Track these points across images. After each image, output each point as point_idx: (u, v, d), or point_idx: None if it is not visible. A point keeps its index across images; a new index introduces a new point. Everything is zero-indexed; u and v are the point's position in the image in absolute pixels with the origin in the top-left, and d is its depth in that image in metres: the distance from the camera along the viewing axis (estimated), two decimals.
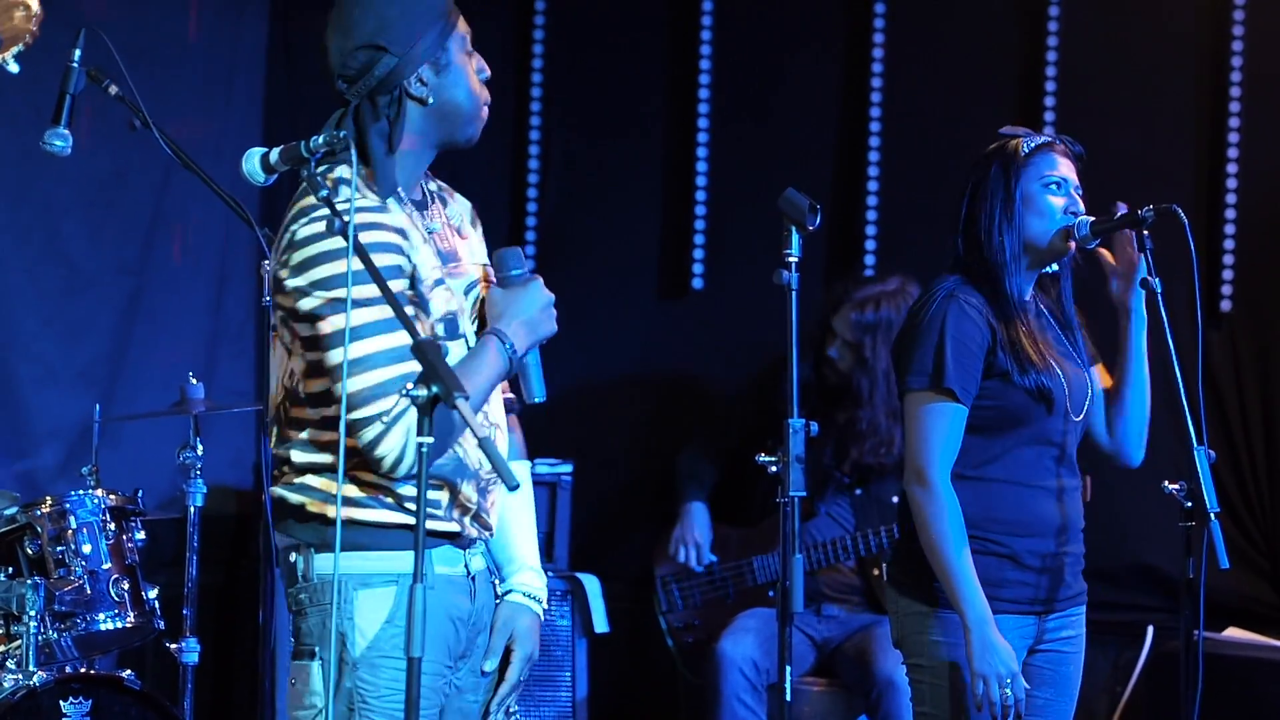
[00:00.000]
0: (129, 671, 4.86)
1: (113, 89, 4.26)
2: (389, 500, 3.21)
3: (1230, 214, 6.21)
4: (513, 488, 3.04)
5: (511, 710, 3.41)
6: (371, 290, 3.09)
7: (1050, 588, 3.94)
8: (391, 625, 3.20)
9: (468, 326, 3.31)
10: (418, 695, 2.95)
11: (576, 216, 6.58)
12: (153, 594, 4.84)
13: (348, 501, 3.18)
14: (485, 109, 3.32)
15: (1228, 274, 6.21)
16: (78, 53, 4.26)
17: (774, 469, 3.80)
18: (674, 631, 6.00)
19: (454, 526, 3.26)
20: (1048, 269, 4.02)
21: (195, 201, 5.80)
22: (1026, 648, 3.93)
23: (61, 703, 4.56)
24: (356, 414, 3.13)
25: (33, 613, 4.54)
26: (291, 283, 3.16)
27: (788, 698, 3.83)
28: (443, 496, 3.25)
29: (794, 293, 3.79)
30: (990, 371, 3.89)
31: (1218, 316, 6.20)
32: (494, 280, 3.32)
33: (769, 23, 6.49)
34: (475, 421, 3.03)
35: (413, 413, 3.06)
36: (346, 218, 3.08)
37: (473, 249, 3.39)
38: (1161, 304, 3.90)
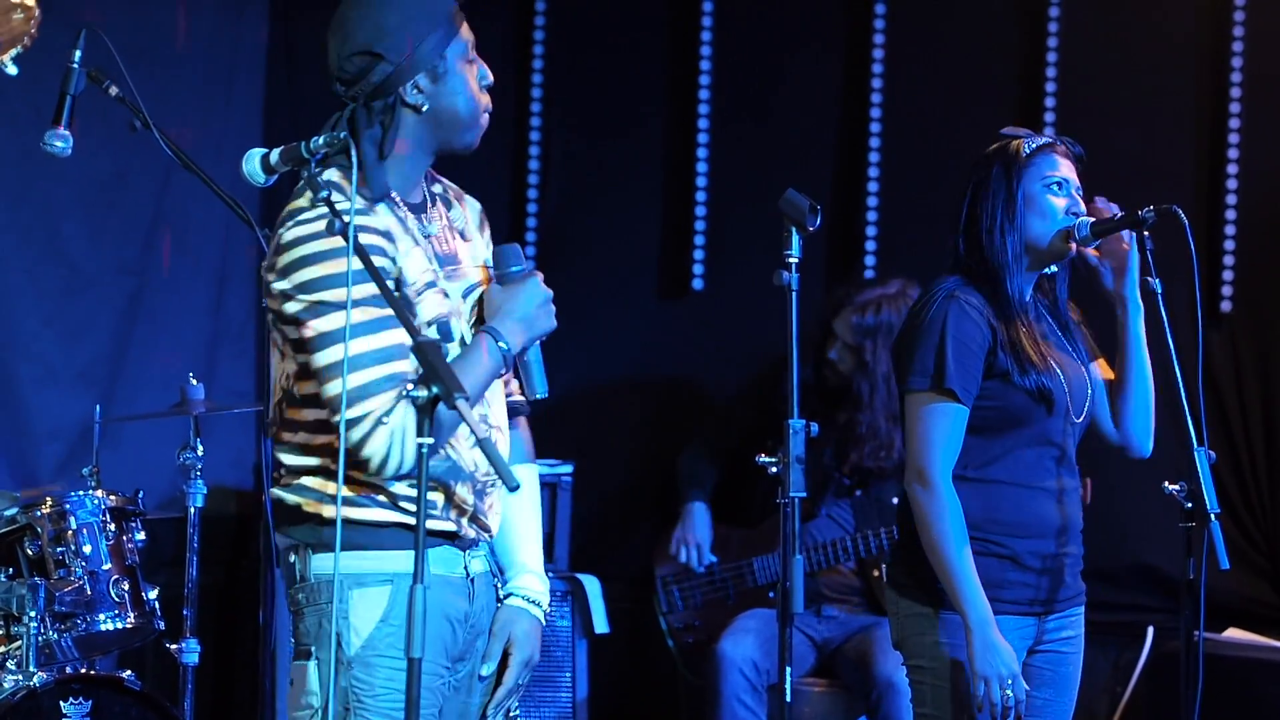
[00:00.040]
0: (129, 672, 4.86)
1: (113, 90, 4.26)
2: (383, 499, 3.22)
3: (1230, 214, 6.21)
4: (513, 489, 3.05)
5: (512, 713, 3.41)
6: (356, 293, 3.11)
7: (1050, 588, 3.94)
8: (386, 624, 3.21)
9: (465, 329, 3.30)
10: (418, 695, 2.96)
11: (576, 216, 6.58)
12: (153, 594, 4.84)
13: (343, 501, 3.18)
14: (486, 116, 3.32)
15: (1228, 274, 6.21)
16: (78, 54, 4.26)
17: (774, 470, 3.79)
18: (674, 632, 6.00)
19: (450, 526, 3.26)
20: (1048, 270, 4.02)
21: (195, 202, 5.80)
22: (1026, 648, 3.93)
23: (62, 703, 4.56)
24: (340, 415, 3.14)
25: (33, 613, 4.54)
26: (277, 286, 3.18)
27: (788, 698, 3.83)
28: (438, 497, 3.25)
29: (794, 293, 3.79)
30: (990, 372, 3.89)
31: (1218, 317, 6.20)
32: (494, 278, 3.33)
33: (769, 23, 6.49)
34: (475, 421, 3.04)
35: (398, 413, 3.09)
36: (342, 220, 3.09)
37: (476, 252, 3.39)
38: (1162, 304, 3.90)
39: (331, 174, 3.20)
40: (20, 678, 4.52)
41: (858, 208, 6.42)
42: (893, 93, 6.41)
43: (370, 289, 3.11)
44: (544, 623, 3.43)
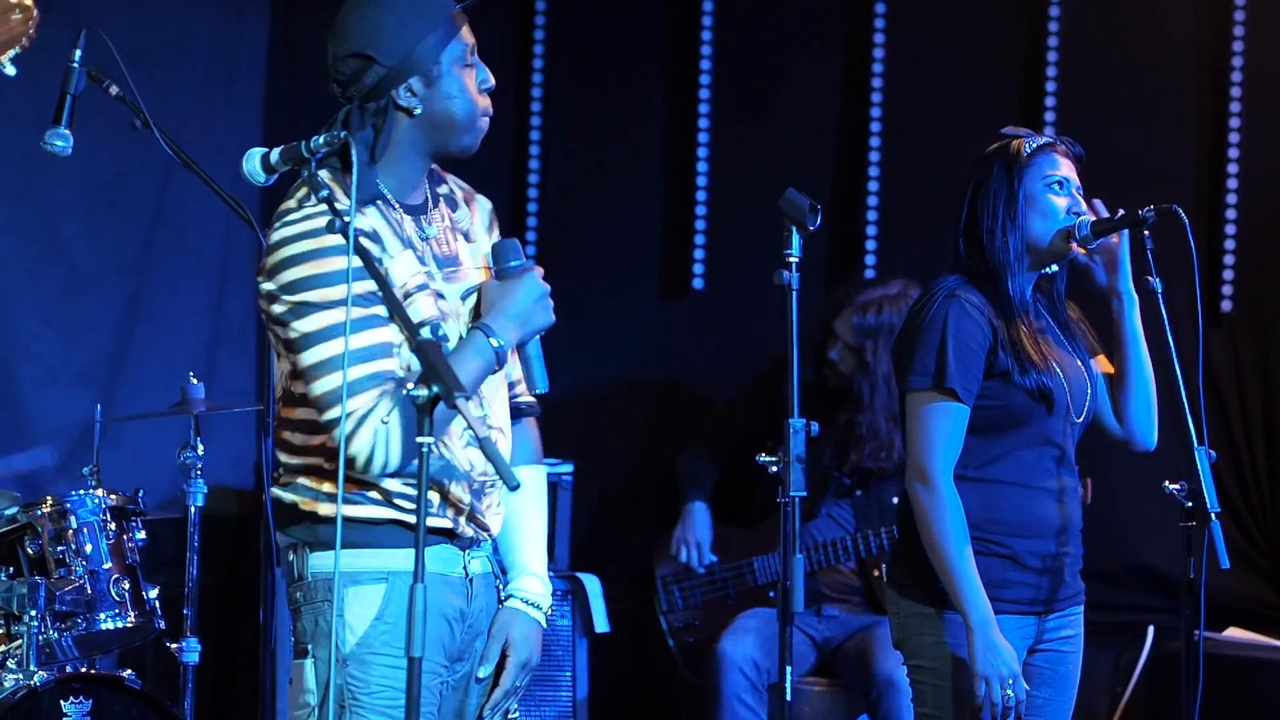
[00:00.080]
0: (129, 671, 4.86)
1: (113, 89, 4.26)
2: (377, 496, 3.22)
3: (1231, 214, 6.21)
4: (513, 488, 3.05)
5: (511, 715, 3.41)
6: (336, 293, 3.12)
7: (1050, 588, 3.94)
8: (381, 622, 3.22)
9: (462, 330, 3.29)
10: (418, 694, 2.96)
11: (576, 216, 6.58)
12: (153, 594, 4.85)
13: (336, 499, 3.19)
14: (485, 120, 3.31)
15: (1228, 274, 6.21)
16: (78, 53, 4.26)
17: (774, 469, 3.79)
18: (675, 631, 6.00)
19: (446, 523, 3.26)
20: (1048, 269, 4.02)
21: (196, 201, 5.80)
22: (1027, 648, 3.93)
23: (62, 702, 4.57)
24: (327, 415, 3.16)
25: (33, 612, 4.54)
26: (265, 287, 3.20)
27: (788, 698, 3.83)
28: (433, 495, 3.25)
29: (794, 293, 3.79)
30: (991, 371, 3.89)
31: (1218, 317, 6.20)
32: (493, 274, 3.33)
33: (769, 23, 6.49)
34: (475, 420, 3.04)
35: (380, 410, 3.11)
36: (342, 219, 3.10)
37: (480, 252, 3.38)
38: (1162, 304, 3.90)
39: (322, 175, 3.20)
40: (21, 677, 4.52)
41: (858, 208, 6.42)
42: (893, 93, 6.41)
43: (355, 289, 3.12)
44: (544, 625, 3.42)
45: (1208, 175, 6.26)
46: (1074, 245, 3.95)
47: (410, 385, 2.98)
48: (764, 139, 6.47)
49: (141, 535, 4.88)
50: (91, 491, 4.81)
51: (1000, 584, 3.87)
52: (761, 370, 6.07)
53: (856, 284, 5.95)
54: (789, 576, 3.75)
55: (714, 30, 6.48)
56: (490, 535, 3.36)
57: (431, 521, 3.23)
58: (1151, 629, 6.03)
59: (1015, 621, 3.89)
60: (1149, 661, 5.98)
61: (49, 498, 4.76)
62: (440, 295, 3.28)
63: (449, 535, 3.28)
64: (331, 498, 3.20)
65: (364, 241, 3.17)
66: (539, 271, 3.30)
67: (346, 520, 3.19)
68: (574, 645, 5.99)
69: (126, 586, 4.75)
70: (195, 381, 5.10)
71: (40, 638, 4.57)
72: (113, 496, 4.83)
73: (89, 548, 4.73)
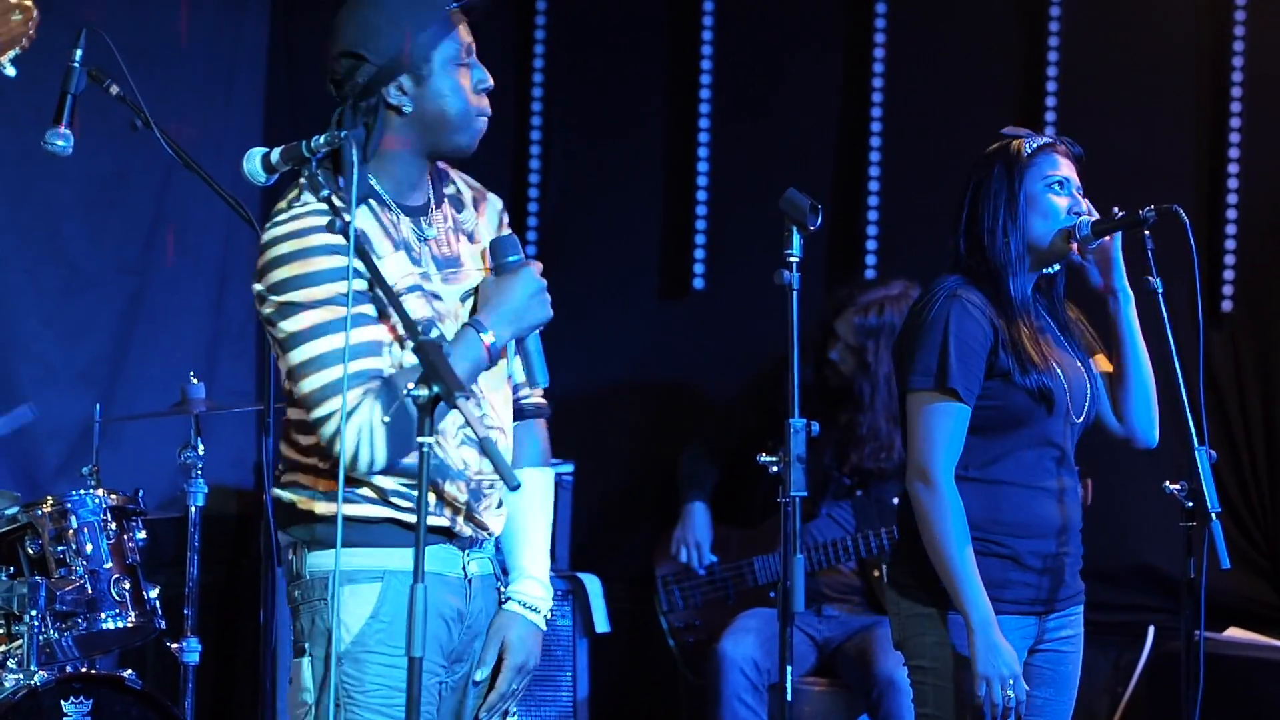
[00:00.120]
0: (130, 671, 4.86)
1: (114, 89, 4.26)
2: (370, 494, 3.23)
3: (1231, 214, 6.21)
4: (513, 488, 3.05)
5: (510, 714, 3.40)
6: (321, 292, 3.14)
7: (1051, 588, 3.94)
8: (376, 621, 3.23)
9: (455, 331, 3.29)
10: (419, 694, 2.96)
11: (576, 216, 6.58)
12: (154, 594, 4.85)
13: (332, 497, 3.20)
14: (481, 119, 3.29)
15: (1229, 274, 6.21)
16: (79, 53, 4.26)
17: (775, 469, 3.79)
18: (675, 631, 6.00)
19: (443, 522, 3.26)
20: (1048, 270, 4.02)
21: (196, 201, 5.80)
22: (1027, 648, 3.93)
23: (62, 702, 4.57)
24: (314, 413, 3.17)
25: (34, 612, 4.54)
26: (255, 288, 3.22)
27: (789, 698, 3.82)
28: (429, 494, 3.24)
29: (795, 293, 3.78)
30: (992, 371, 3.89)
31: (1219, 317, 6.20)
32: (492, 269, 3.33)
33: (769, 23, 6.49)
34: (476, 420, 3.04)
35: (364, 409, 3.12)
36: (343, 218, 3.10)
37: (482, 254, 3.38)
38: (1162, 304, 3.90)
39: (321, 175, 3.20)
40: (21, 676, 4.52)
41: (858, 208, 6.42)
42: (893, 93, 6.41)
43: (336, 288, 3.13)
44: (543, 628, 3.41)
45: (1208, 175, 6.27)
46: (1074, 245, 3.95)
47: (411, 385, 2.98)
48: (764, 139, 6.47)
49: (142, 535, 4.88)
50: (92, 491, 4.81)
51: (1001, 584, 3.87)
52: (762, 370, 6.08)
53: (858, 284, 5.95)
54: (789, 576, 3.74)
55: (714, 30, 6.48)
56: (491, 535, 3.36)
57: (429, 520, 3.23)
58: (1152, 629, 6.03)
59: (1016, 622, 3.89)
60: (1149, 661, 5.98)
61: (49, 498, 4.76)
62: (436, 296, 3.27)
63: (448, 535, 3.28)
64: (327, 496, 3.22)
65: (343, 240, 3.17)
66: (536, 267, 3.29)
67: (343, 519, 3.20)
68: (574, 645, 5.99)
69: (127, 586, 4.75)
70: (195, 381, 5.10)
71: (40, 638, 4.57)
72: (113, 496, 4.83)
73: (89, 548, 4.73)
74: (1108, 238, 3.96)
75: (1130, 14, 6.34)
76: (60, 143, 4.26)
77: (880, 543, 5.67)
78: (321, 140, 3.16)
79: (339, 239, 3.14)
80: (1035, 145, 3.98)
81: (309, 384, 3.16)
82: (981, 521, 3.87)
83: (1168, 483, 3.82)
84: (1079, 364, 4.02)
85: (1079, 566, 4.02)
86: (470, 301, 3.32)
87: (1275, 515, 6.19)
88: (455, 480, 3.27)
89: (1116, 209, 3.96)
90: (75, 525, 4.72)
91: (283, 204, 3.22)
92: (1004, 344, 3.89)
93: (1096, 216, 3.96)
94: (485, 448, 3.03)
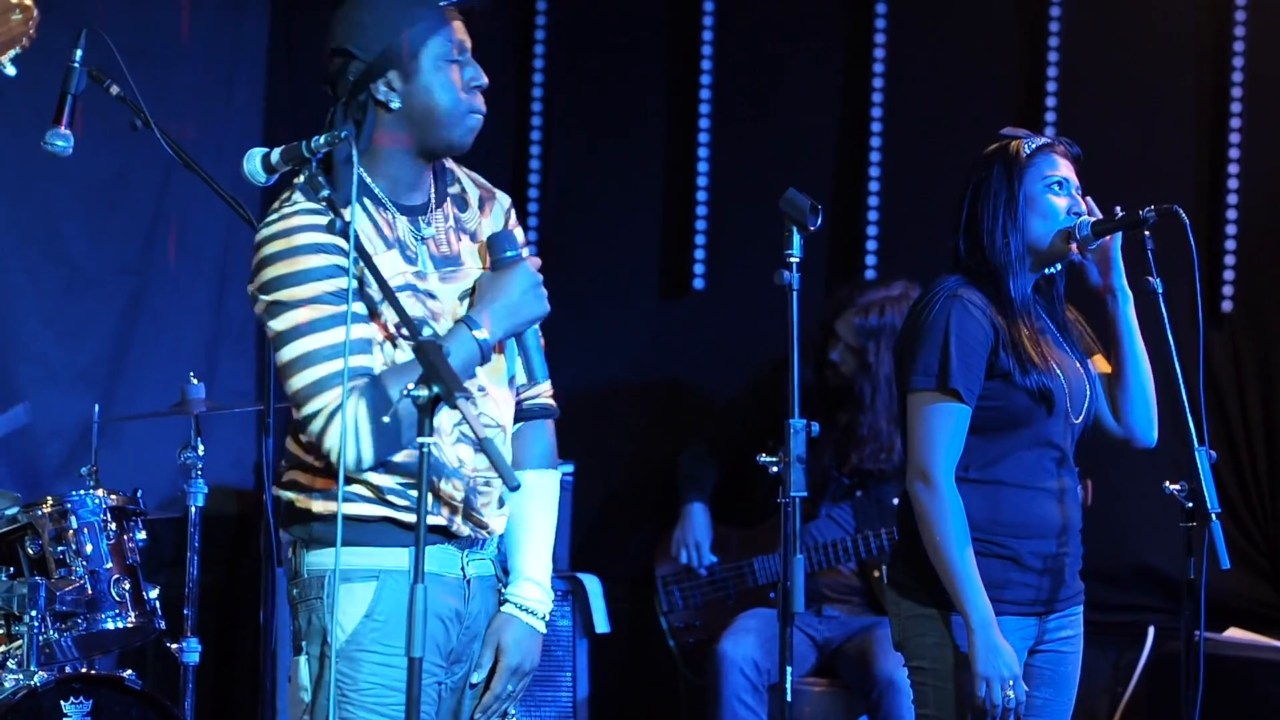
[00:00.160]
0: (130, 671, 4.86)
1: (114, 89, 4.26)
2: (367, 493, 3.23)
3: (1231, 214, 6.21)
4: (512, 488, 3.05)
5: (509, 715, 3.40)
6: (307, 290, 3.15)
7: (1051, 589, 3.94)
8: (371, 620, 3.23)
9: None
10: (418, 694, 2.96)
11: (576, 216, 6.58)
12: (154, 594, 4.84)
13: (328, 496, 3.21)
14: (474, 116, 3.29)
15: (1229, 274, 6.22)
16: (79, 53, 4.26)
17: (775, 469, 3.78)
18: (675, 632, 6.00)
19: (440, 520, 3.26)
20: (1048, 270, 4.02)
21: (196, 201, 5.80)
22: (1027, 649, 3.93)
23: (62, 703, 4.56)
24: (302, 411, 3.18)
25: (34, 613, 4.54)
26: (249, 288, 3.25)
27: (788, 698, 3.82)
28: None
29: (795, 293, 3.78)
30: (992, 372, 3.89)
31: (1219, 317, 6.20)
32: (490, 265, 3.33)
33: (769, 22, 6.49)
34: (475, 419, 3.04)
35: (351, 406, 3.12)
36: (344, 218, 3.10)
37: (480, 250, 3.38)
38: (1162, 304, 3.90)
39: (303, 176, 3.21)
40: (21, 677, 4.52)
41: (858, 208, 6.42)
42: (893, 93, 6.41)
43: (323, 287, 3.14)
44: (542, 631, 3.40)
45: (1208, 175, 6.27)
46: (1074, 246, 3.95)
47: (411, 385, 2.98)
48: (764, 139, 6.47)
49: (142, 535, 4.88)
50: (92, 491, 4.81)
51: (1001, 585, 3.87)
52: (762, 370, 6.08)
53: (858, 285, 5.96)
54: (789, 577, 3.74)
55: (714, 30, 6.48)
56: (491, 534, 3.35)
57: (426, 519, 3.23)
58: (1152, 629, 6.03)
59: (1016, 623, 3.89)
60: (1149, 662, 5.98)
61: (49, 498, 4.76)
62: (430, 295, 3.27)
63: (446, 535, 3.28)
64: (324, 495, 3.23)
65: (338, 240, 3.17)
66: (533, 261, 3.29)
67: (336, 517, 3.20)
68: (574, 645, 5.99)
69: (127, 586, 4.75)
70: (195, 381, 5.10)
71: (40, 638, 4.56)
72: (113, 496, 4.83)
73: (89, 548, 4.73)
74: (1107, 238, 3.96)
75: (1130, 14, 6.34)
76: (60, 143, 4.26)
77: (880, 543, 5.67)
78: (322, 140, 3.17)
79: (327, 237, 3.15)
80: (1034, 146, 3.98)
81: (297, 381, 3.17)
82: (982, 522, 3.87)
83: (1167, 483, 3.82)
84: (1078, 365, 4.02)
85: (1079, 567, 4.02)
86: (469, 300, 3.32)
87: (1275, 515, 6.19)
88: (451, 478, 3.26)
89: (1117, 209, 3.96)
90: (75, 525, 4.72)
91: (275, 204, 3.24)
92: (1004, 344, 3.89)
93: (1098, 216, 3.96)
94: (485, 448, 3.02)
